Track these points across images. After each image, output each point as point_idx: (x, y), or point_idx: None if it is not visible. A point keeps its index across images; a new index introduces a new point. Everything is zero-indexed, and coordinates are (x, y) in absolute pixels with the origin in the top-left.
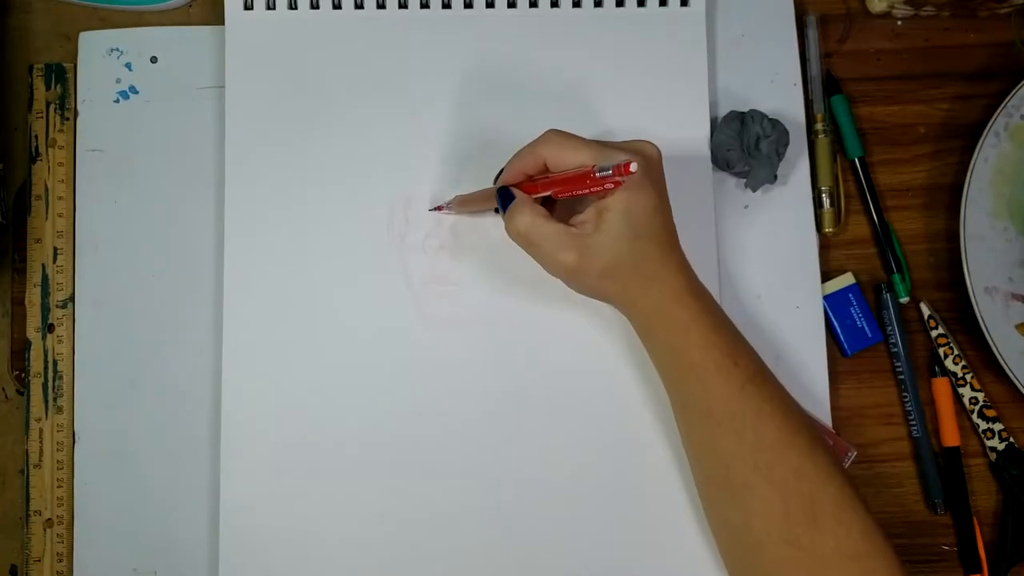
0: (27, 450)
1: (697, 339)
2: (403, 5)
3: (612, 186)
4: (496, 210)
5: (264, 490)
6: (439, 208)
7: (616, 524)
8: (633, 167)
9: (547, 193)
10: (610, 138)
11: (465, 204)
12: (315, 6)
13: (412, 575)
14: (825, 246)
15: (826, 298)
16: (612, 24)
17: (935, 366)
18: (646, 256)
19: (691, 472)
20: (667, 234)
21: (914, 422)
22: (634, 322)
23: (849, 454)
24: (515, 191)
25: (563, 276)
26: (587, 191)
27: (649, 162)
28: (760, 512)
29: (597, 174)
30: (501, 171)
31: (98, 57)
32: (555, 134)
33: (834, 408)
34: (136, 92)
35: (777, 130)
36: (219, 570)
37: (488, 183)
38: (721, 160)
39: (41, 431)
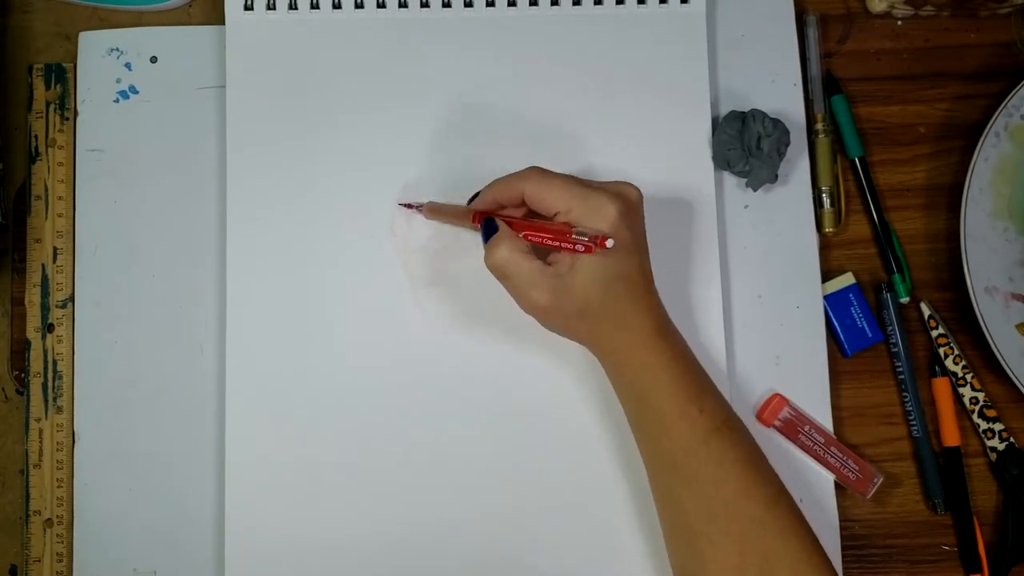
0: (27, 450)
1: (664, 385)
2: (403, 5)
3: (583, 250)
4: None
5: (268, 489)
6: (408, 206)
7: (624, 533)
8: (609, 243)
9: (522, 234)
10: (610, 137)
11: (436, 213)
12: (315, 6)
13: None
14: (825, 246)
15: (826, 298)
16: (612, 23)
17: (935, 366)
18: (618, 300)
19: (657, 513)
20: (641, 278)
21: (914, 422)
22: (604, 365)
23: (875, 480)
24: (499, 222)
25: (535, 315)
26: (559, 246)
27: (628, 206)
28: (715, 562)
29: (574, 235)
30: (476, 194)
31: (98, 57)
32: (537, 172)
33: (834, 408)
34: (136, 92)
35: (778, 130)
36: (225, 570)
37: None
38: (722, 160)
39: (41, 431)
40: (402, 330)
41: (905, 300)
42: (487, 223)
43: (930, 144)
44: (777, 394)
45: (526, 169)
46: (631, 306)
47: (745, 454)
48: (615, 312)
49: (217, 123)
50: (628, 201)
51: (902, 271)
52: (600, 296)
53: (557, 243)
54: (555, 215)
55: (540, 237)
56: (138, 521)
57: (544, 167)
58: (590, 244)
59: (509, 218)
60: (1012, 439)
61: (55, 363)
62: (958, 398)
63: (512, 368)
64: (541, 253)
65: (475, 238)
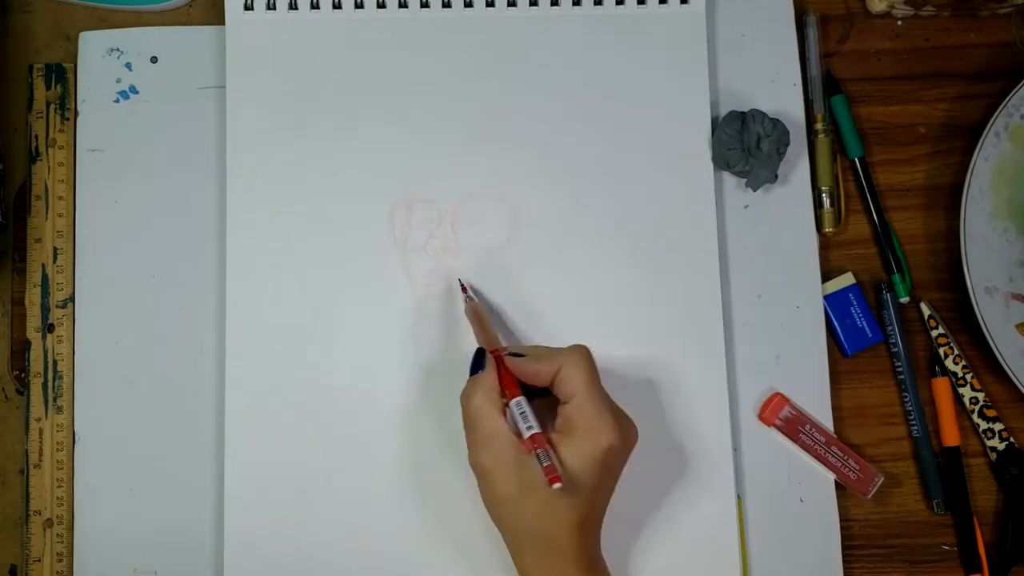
0: (27, 450)
1: None
2: (403, 5)
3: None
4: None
5: (267, 489)
6: (463, 289)
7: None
8: (556, 486)
9: (505, 395)
10: (610, 137)
11: (474, 316)
12: (315, 6)
13: None
14: (825, 246)
15: (826, 298)
16: (612, 24)
17: (935, 366)
18: (555, 520)
19: None
20: (589, 512)
21: (914, 422)
22: (517, 566)
23: (875, 480)
24: (489, 367)
25: (476, 472)
26: (520, 445)
27: (620, 446)
28: None
29: (538, 452)
30: (517, 354)
31: (98, 57)
32: (580, 355)
33: (834, 408)
34: (136, 92)
35: (778, 130)
36: (224, 571)
37: (491, 186)
38: (721, 160)
39: (41, 431)
40: (401, 330)
41: (905, 300)
42: (476, 356)
43: (930, 144)
44: (778, 393)
45: (574, 346)
46: (565, 539)
47: None
48: (546, 535)
49: (217, 123)
50: (625, 443)
51: (902, 271)
52: (539, 509)
53: (519, 440)
54: (565, 402)
55: (514, 419)
56: (138, 521)
57: (590, 354)
58: (543, 469)
59: (508, 378)
60: (1012, 439)
61: (55, 363)
62: (958, 398)
63: None
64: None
65: (476, 239)
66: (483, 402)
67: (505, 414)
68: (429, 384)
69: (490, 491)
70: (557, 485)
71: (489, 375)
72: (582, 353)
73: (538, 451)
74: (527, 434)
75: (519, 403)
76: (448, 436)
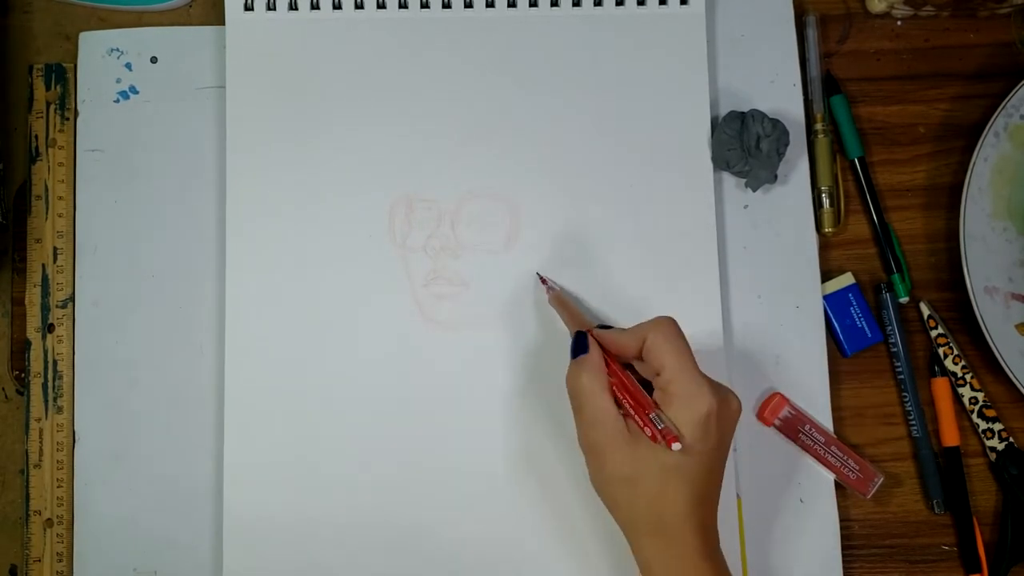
0: (27, 450)
1: None
2: (403, 5)
3: (650, 434)
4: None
5: (267, 489)
6: (543, 280)
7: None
8: (675, 447)
9: (609, 374)
10: (610, 137)
11: (558, 303)
12: (315, 6)
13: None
14: (825, 246)
15: (826, 298)
16: (612, 24)
17: (935, 366)
18: (671, 498)
19: None
20: (705, 485)
21: (914, 422)
22: (632, 550)
23: (875, 480)
24: (592, 347)
25: (587, 455)
26: (631, 414)
27: (724, 413)
28: None
29: (651, 415)
30: (606, 326)
31: (98, 57)
32: (672, 324)
33: (834, 408)
34: (136, 92)
35: (777, 130)
36: (223, 570)
37: (491, 185)
38: (721, 160)
39: (41, 431)
40: (401, 330)
41: (905, 300)
42: (577, 338)
43: (930, 144)
44: (777, 393)
45: (661, 317)
46: (680, 510)
47: None
48: (660, 507)
49: (217, 123)
50: (727, 408)
51: (902, 271)
52: (654, 480)
53: (631, 409)
54: (656, 374)
55: (621, 392)
56: (138, 521)
57: (677, 325)
58: (658, 434)
59: (607, 355)
60: (1012, 439)
61: (55, 363)
62: (958, 398)
63: (511, 367)
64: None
65: (476, 239)
66: (591, 381)
67: (612, 393)
68: (427, 383)
69: (602, 470)
70: (676, 445)
71: (594, 355)
72: (668, 323)
73: (653, 414)
74: (634, 402)
75: (617, 379)
76: (449, 435)
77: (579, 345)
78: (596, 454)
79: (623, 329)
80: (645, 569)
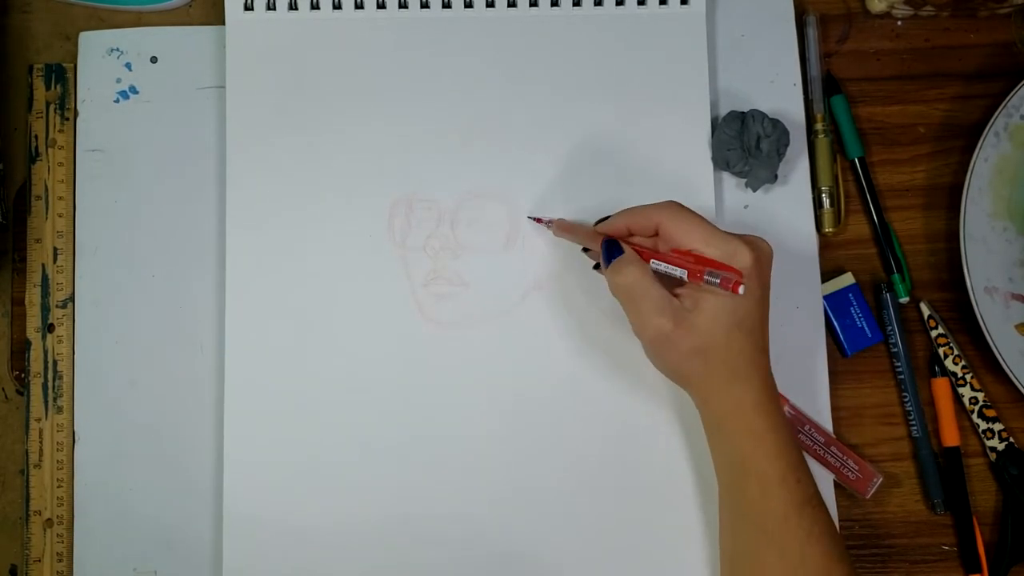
0: (27, 450)
1: (768, 450)
2: (403, 5)
3: (719, 282)
4: (584, 249)
5: (267, 489)
6: (538, 220)
7: (620, 530)
8: (741, 290)
9: (650, 261)
10: (610, 137)
11: (564, 230)
12: (315, 6)
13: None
14: (825, 246)
15: (826, 298)
16: (612, 24)
17: (935, 366)
18: (738, 350)
19: (720, 569)
20: (761, 335)
21: (914, 422)
22: (703, 413)
23: (875, 480)
24: (624, 246)
25: (651, 342)
26: (690, 277)
27: (762, 258)
28: None
29: (705, 279)
30: (604, 218)
31: (98, 57)
32: (675, 205)
33: (834, 408)
34: (136, 92)
35: (777, 130)
36: (223, 570)
37: (491, 185)
38: (721, 160)
39: (41, 431)
40: (401, 330)
41: (905, 300)
42: (609, 244)
43: (930, 144)
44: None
45: (664, 202)
46: (748, 359)
47: (829, 529)
48: (731, 361)
49: (217, 123)
50: (762, 254)
51: (902, 271)
52: (722, 340)
53: (688, 273)
54: (690, 251)
55: (670, 265)
56: (138, 521)
57: (681, 203)
58: (723, 283)
59: (637, 246)
60: (1012, 439)
61: (55, 363)
62: (958, 398)
63: (510, 365)
64: (665, 284)
65: (476, 239)
66: (640, 275)
67: (659, 280)
68: (429, 383)
69: (675, 350)
70: (742, 288)
71: (630, 251)
72: (674, 203)
73: (709, 272)
74: (687, 266)
75: (657, 262)
76: (449, 434)
77: (611, 249)
78: (663, 339)
79: (628, 210)
80: (716, 427)
